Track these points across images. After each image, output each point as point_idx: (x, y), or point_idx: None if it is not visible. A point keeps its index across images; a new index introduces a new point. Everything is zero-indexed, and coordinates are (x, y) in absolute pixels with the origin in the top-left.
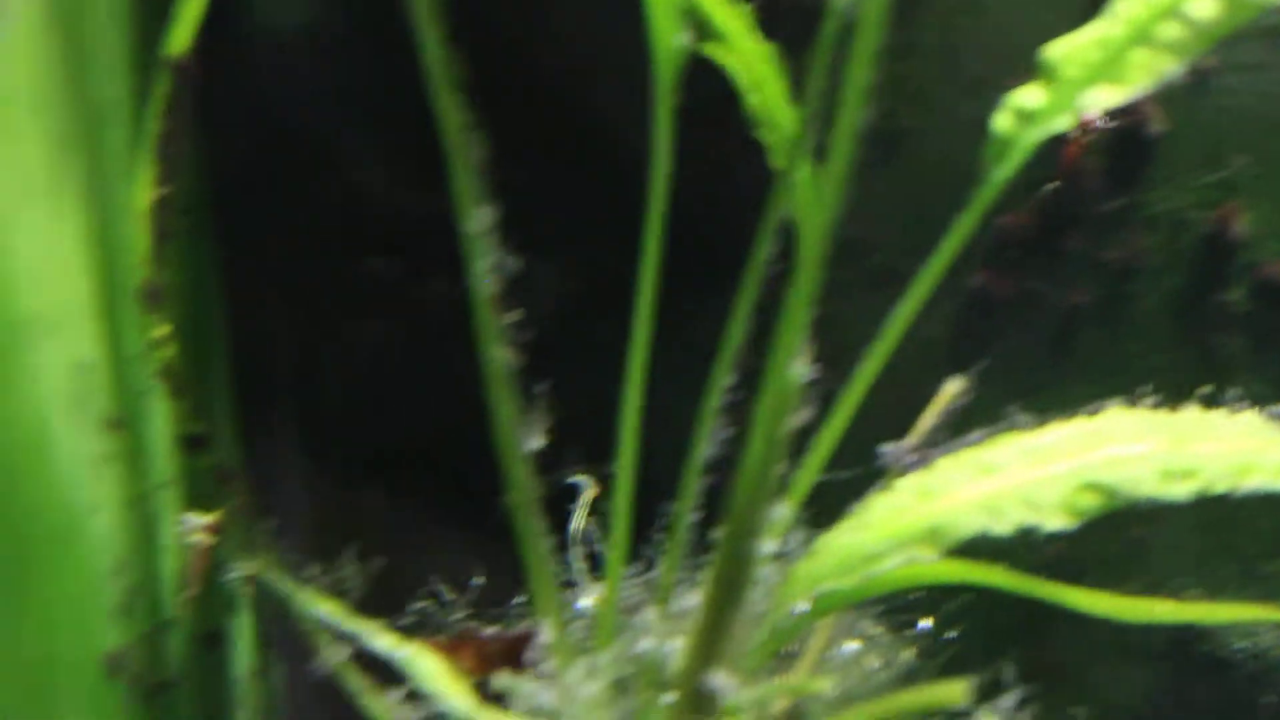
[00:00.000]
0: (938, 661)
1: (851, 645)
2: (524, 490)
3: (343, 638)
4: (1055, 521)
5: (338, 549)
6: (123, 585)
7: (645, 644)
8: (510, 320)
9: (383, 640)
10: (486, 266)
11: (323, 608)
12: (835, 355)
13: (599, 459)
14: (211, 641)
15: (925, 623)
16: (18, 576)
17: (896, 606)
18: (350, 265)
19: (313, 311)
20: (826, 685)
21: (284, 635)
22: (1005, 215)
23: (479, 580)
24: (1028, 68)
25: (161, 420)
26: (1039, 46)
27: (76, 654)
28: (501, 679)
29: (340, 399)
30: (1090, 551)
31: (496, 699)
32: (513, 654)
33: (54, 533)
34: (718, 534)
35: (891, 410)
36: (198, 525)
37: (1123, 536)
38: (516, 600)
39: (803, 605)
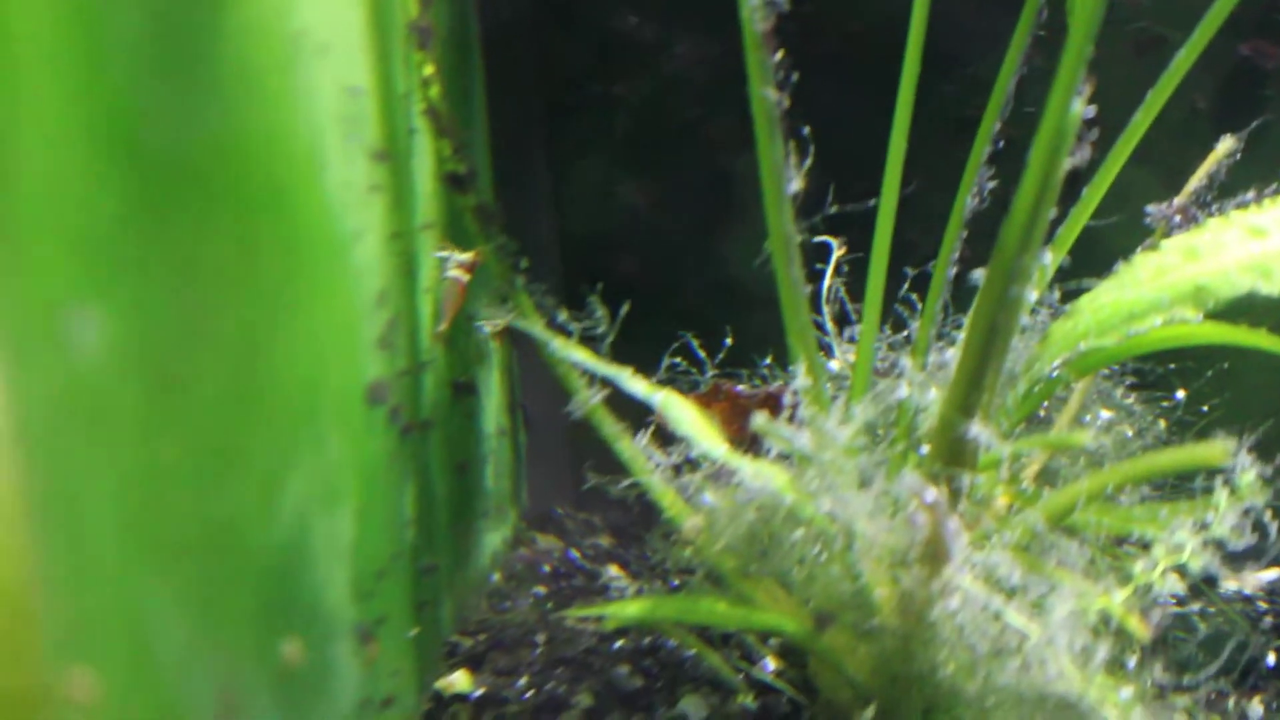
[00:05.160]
0: (1191, 432)
1: (1105, 414)
2: (783, 235)
3: (595, 383)
4: None
5: (587, 297)
6: (384, 317)
7: (901, 393)
8: (777, 61)
9: (637, 385)
10: (758, 3)
11: (576, 353)
12: (1100, 119)
13: (857, 216)
14: (464, 390)
15: (1180, 394)
16: (287, 296)
17: (1151, 379)
18: (604, 24)
19: (568, 69)
20: (1085, 439)
21: (532, 392)
22: None
23: (729, 339)
24: None
25: (425, 158)
26: None
27: (341, 380)
28: (758, 420)
29: (592, 156)
30: None
31: (748, 448)
32: (764, 409)
33: (321, 255)
34: (982, 279)
35: (1158, 174)
36: (456, 261)
37: None
38: (765, 361)
39: (1060, 365)
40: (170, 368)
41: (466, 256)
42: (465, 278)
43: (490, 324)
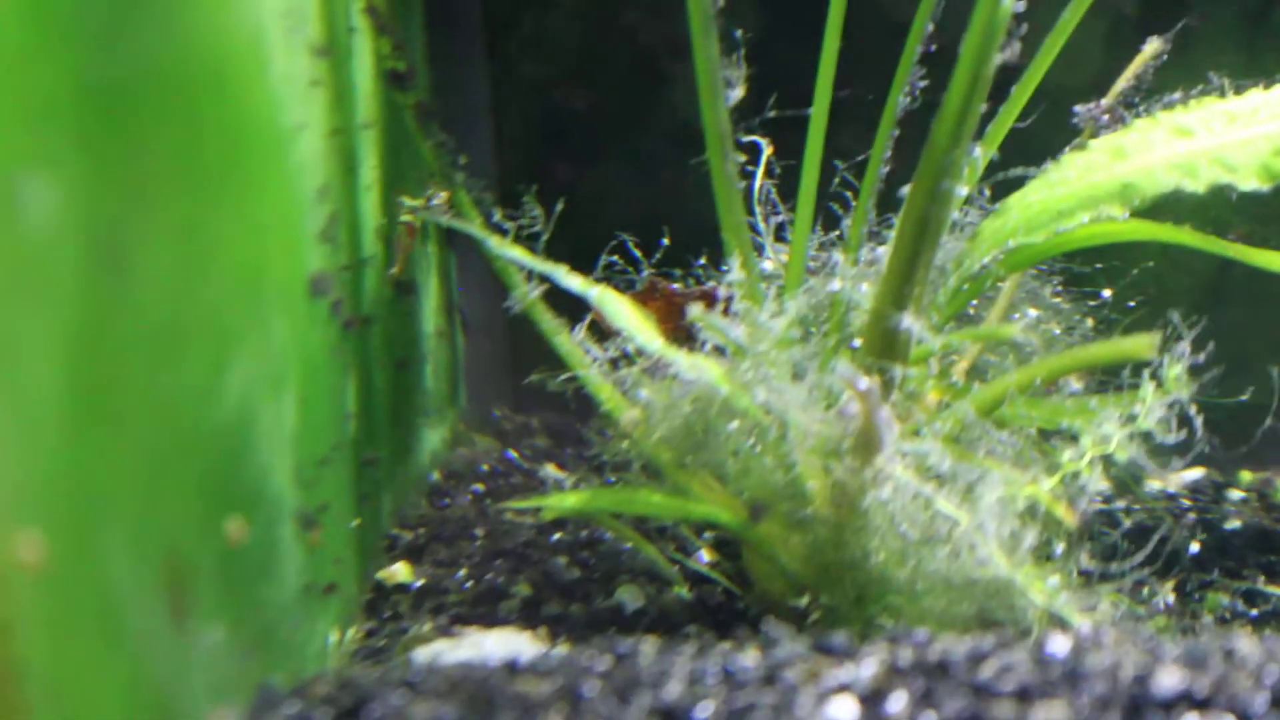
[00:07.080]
0: (1118, 329)
1: (1033, 312)
2: (718, 131)
3: (533, 280)
4: (1249, 183)
5: (522, 196)
6: (325, 212)
7: (834, 287)
8: None
9: (573, 280)
10: None
11: (513, 250)
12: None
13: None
14: (404, 289)
15: (1106, 292)
16: (231, 183)
17: (1078, 277)
18: None
19: None
20: (1014, 331)
21: (471, 298)
22: None
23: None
24: None
25: (365, 58)
26: None
27: (284, 269)
28: (694, 310)
29: (530, 58)
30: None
31: (684, 345)
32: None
33: (264, 146)
34: (915, 174)
35: (1087, 76)
36: (409, 207)
37: None
38: (700, 261)
39: (989, 262)
40: (116, 242)
41: (418, 203)
42: (417, 222)
43: (425, 214)
